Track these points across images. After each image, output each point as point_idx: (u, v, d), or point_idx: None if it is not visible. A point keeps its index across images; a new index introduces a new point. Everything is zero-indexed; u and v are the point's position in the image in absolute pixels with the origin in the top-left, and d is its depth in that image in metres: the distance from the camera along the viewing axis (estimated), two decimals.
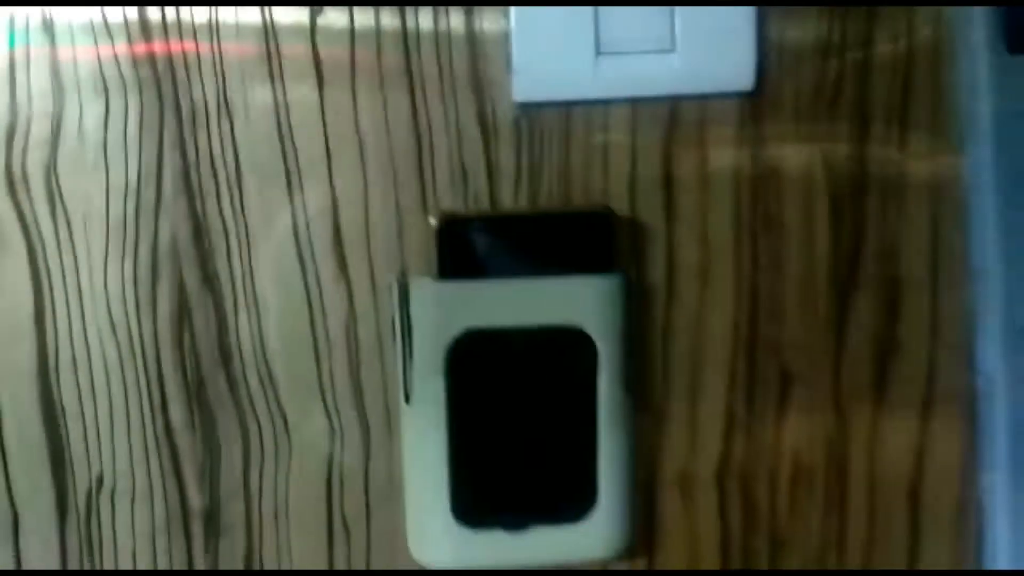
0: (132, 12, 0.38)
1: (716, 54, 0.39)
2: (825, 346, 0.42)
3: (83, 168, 0.38)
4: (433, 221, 0.38)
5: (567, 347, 0.38)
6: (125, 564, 0.40)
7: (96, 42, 0.38)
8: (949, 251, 0.42)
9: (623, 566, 0.42)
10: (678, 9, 0.39)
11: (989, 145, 0.41)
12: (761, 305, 0.41)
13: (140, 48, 0.38)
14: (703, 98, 0.40)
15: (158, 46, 0.38)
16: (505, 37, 0.39)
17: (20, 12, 0.37)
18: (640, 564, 0.42)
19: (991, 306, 0.42)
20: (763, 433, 0.42)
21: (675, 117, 0.40)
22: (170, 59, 0.38)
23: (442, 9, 0.39)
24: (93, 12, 0.38)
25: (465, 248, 0.38)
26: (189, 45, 0.38)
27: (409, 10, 0.39)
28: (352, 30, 0.39)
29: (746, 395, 0.42)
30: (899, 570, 0.43)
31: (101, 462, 0.40)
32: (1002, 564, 0.43)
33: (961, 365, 0.43)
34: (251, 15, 0.38)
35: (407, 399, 0.39)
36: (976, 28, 0.40)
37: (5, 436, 0.39)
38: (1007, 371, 0.42)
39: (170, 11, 0.38)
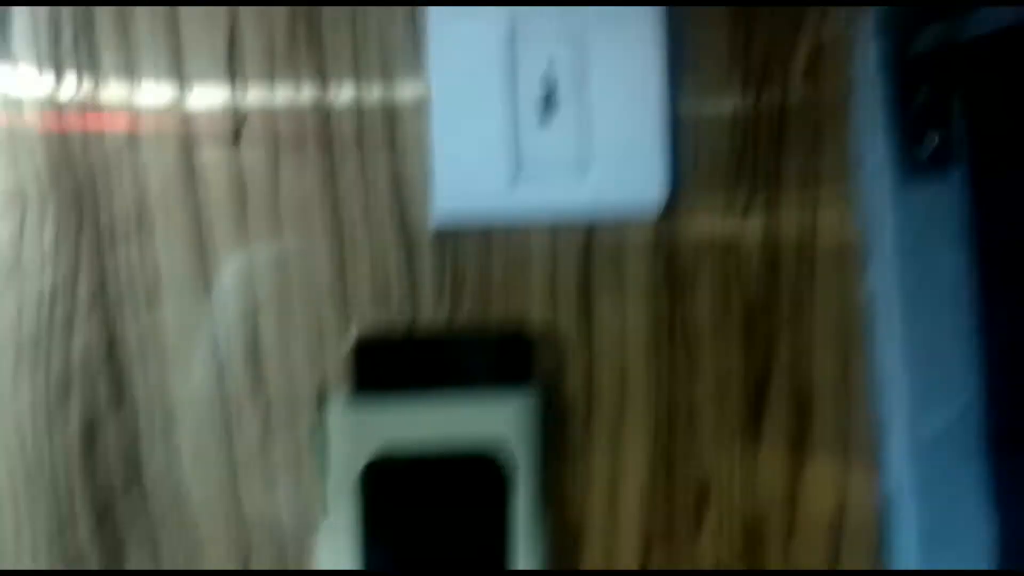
0: (53, 124, 0.38)
1: (629, 174, 0.41)
2: (739, 459, 0.43)
3: None
4: (351, 341, 0.38)
5: (483, 466, 0.38)
6: None
7: (16, 155, 0.38)
8: (857, 362, 0.43)
9: None
10: (592, 138, 0.40)
11: (890, 262, 0.42)
12: (678, 415, 0.42)
13: (59, 161, 0.38)
14: (618, 218, 0.41)
15: (79, 160, 0.38)
16: (426, 156, 0.40)
17: None
18: None
19: (897, 416, 0.43)
20: (681, 547, 0.42)
21: (591, 236, 0.41)
22: (91, 172, 0.38)
23: (364, 128, 0.40)
24: (13, 122, 0.38)
25: (382, 366, 0.38)
26: (110, 159, 0.38)
27: (332, 127, 0.39)
28: (276, 144, 0.39)
29: (664, 507, 0.42)
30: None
31: None
32: None
33: (871, 474, 0.44)
34: (173, 126, 0.39)
35: (324, 514, 0.38)
36: (879, 151, 0.42)
37: None
38: (914, 480, 0.43)
39: (91, 121, 0.38)
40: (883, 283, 0.43)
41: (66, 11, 0.38)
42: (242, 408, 0.39)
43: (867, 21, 0.42)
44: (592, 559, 0.42)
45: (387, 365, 0.38)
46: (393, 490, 0.38)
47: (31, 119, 0.38)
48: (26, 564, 0.39)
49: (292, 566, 0.40)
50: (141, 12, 0.38)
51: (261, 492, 0.40)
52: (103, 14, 0.38)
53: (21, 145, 0.38)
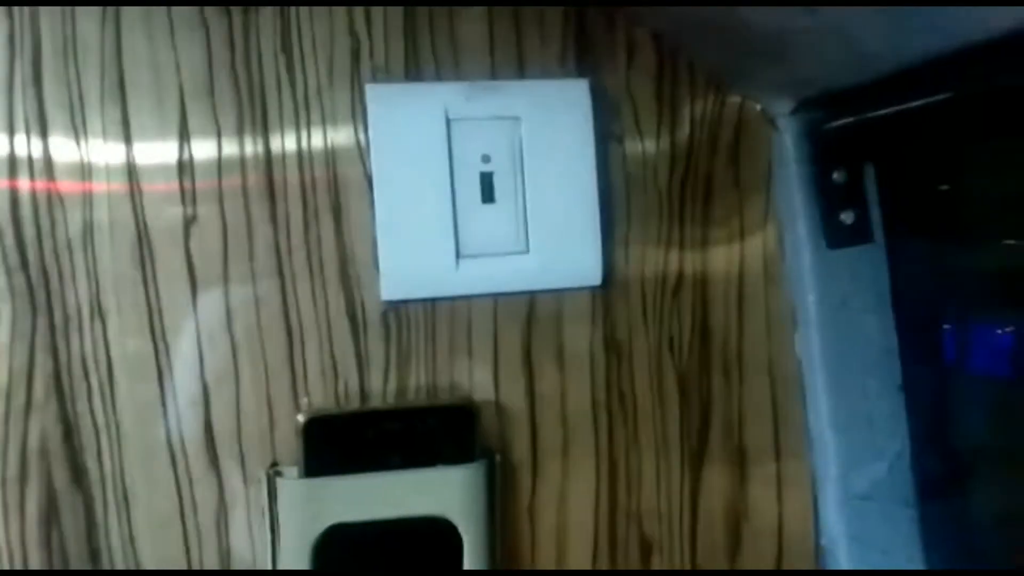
0: (6, 221, 0.39)
1: (567, 254, 0.43)
2: (681, 516, 0.45)
3: None
4: (301, 418, 0.40)
5: (433, 535, 0.40)
6: None
7: None
8: (788, 422, 0.46)
9: None
10: (530, 215, 0.42)
11: (815, 328, 0.45)
12: (619, 478, 0.44)
13: (13, 259, 0.39)
14: (557, 292, 0.43)
15: (32, 254, 0.39)
16: (372, 239, 0.42)
17: None
18: None
19: (829, 473, 0.45)
20: None
21: (532, 309, 0.43)
22: (43, 267, 0.39)
23: (311, 209, 0.41)
24: None
25: (332, 444, 0.39)
26: (63, 252, 0.40)
27: (279, 209, 0.41)
28: (224, 231, 0.41)
29: (609, 564, 0.44)
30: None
31: None
32: None
33: (807, 528, 0.46)
34: (126, 217, 0.40)
35: None
36: (800, 225, 0.45)
37: None
38: (847, 535, 0.45)
39: (44, 219, 0.39)
40: (809, 348, 0.45)
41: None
42: (197, 486, 0.41)
43: (785, 102, 0.44)
44: None
45: (336, 440, 0.39)
46: (346, 559, 0.39)
47: None
48: None
49: None
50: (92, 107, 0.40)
51: (217, 565, 0.41)
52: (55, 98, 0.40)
53: None
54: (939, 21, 0.31)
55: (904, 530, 0.46)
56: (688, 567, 0.45)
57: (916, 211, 0.45)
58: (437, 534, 0.40)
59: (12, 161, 0.39)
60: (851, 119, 0.42)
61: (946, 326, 0.47)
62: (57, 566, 0.40)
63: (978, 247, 0.46)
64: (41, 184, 0.39)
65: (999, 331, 0.47)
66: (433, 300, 0.42)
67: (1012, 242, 0.46)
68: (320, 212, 0.42)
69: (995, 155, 0.44)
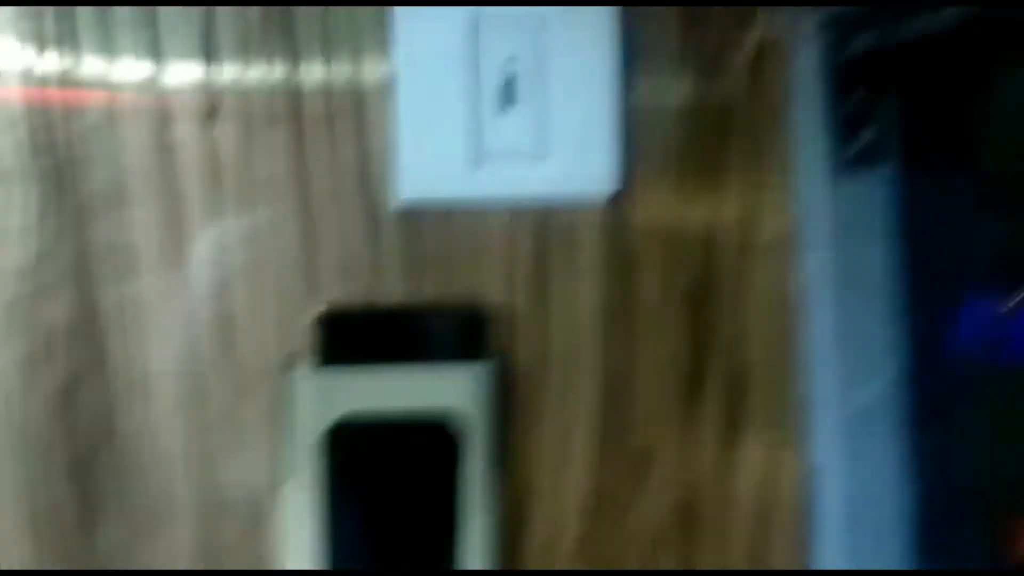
0: (34, 98, 0.40)
1: (583, 161, 0.44)
2: (679, 429, 0.46)
3: None
4: (317, 311, 0.41)
5: (438, 432, 0.41)
6: None
7: None
8: (789, 340, 0.47)
9: None
10: (554, 118, 0.43)
11: (823, 251, 0.46)
12: (622, 391, 0.45)
13: (40, 137, 0.40)
14: (572, 201, 0.44)
15: (59, 136, 0.40)
16: (392, 139, 0.42)
17: None
18: None
19: (826, 392, 0.47)
20: (622, 510, 0.46)
21: (546, 218, 0.44)
22: (70, 148, 0.40)
23: (333, 110, 0.42)
24: None
25: (347, 338, 0.41)
26: (89, 135, 0.40)
27: (303, 105, 0.42)
28: (249, 124, 0.41)
29: (607, 473, 0.46)
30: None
31: None
32: None
33: (801, 444, 0.47)
34: (149, 103, 0.41)
35: (286, 479, 0.41)
36: (813, 145, 0.46)
37: None
38: (840, 451, 0.47)
39: (71, 99, 0.40)
40: (815, 271, 0.46)
41: None
42: (213, 374, 0.42)
43: (807, 23, 0.44)
44: (541, 517, 0.45)
45: (351, 336, 0.41)
46: (354, 452, 0.40)
47: (13, 94, 0.40)
48: (8, 511, 0.41)
49: (260, 524, 0.43)
50: None
51: (230, 453, 0.42)
52: None
53: (3, 120, 0.40)
54: None
55: (896, 450, 0.47)
56: (683, 480, 0.46)
57: (935, 141, 0.46)
58: (443, 432, 0.41)
59: (40, 38, 0.40)
60: (875, 41, 0.42)
61: (951, 259, 0.48)
62: (76, 438, 0.41)
63: (991, 188, 0.46)
64: (67, 63, 0.40)
65: (998, 268, 0.48)
66: (449, 206, 0.43)
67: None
68: (342, 114, 0.42)
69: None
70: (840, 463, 0.47)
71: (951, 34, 0.39)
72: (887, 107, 0.45)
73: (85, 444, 0.41)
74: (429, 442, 0.41)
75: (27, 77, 0.40)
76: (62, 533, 0.41)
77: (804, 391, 0.47)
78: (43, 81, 0.40)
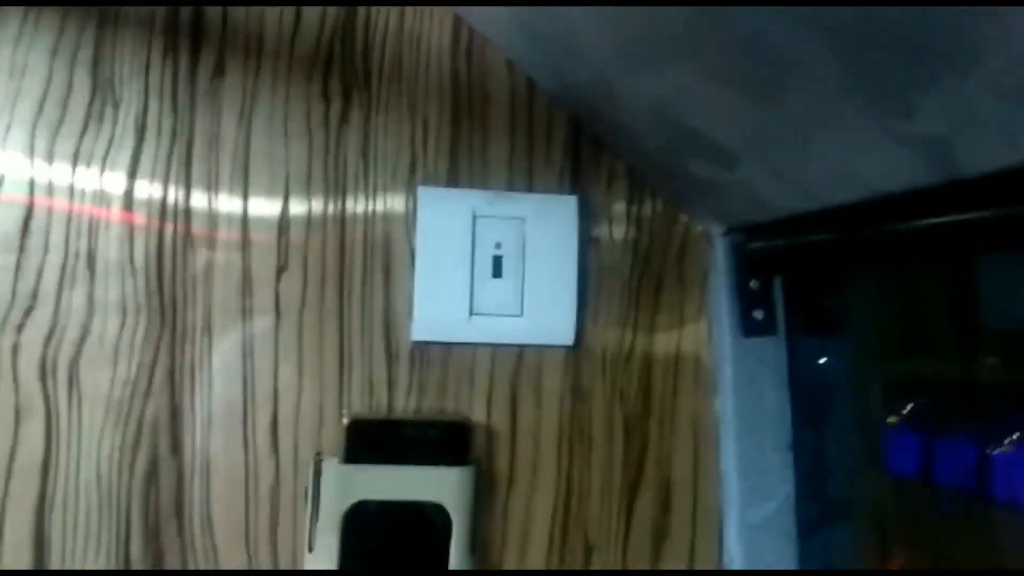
0: (154, 256, 0.55)
1: (550, 317, 0.59)
2: (617, 527, 0.59)
3: (97, 364, 0.54)
4: (345, 420, 0.54)
5: (432, 518, 0.54)
6: None
7: (123, 276, 0.54)
8: (705, 464, 0.60)
9: None
10: (526, 289, 0.58)
11: (729, 396, 0.60)
12: (573, 492, 0.58)
13: (154, 285, 0.55)
14: (540, 348, 0.59)
15: (167, 282, 0.55)
16: (409, 295, 0.57)
17: (71, 248, 0.54)
18: None
19: (732, 506, 0.60)
20: None
21: (521, 358, 0.59)
22: (173, 293, 0.55)
23: (368, 270, 0.57)
24: (124, 252, 0.54)
25: (364, 441, 0.54)
26: (189, 284, 0.55)
27: (346, 268, 0.57)
28: (305, 279, 0.56)
29: (559, 558, 0.58)
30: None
31: None
32: None
33: (713, 548, 0.60)
34: (236, 262, 0.55)
35: (310, 548, 0.53)
36: (724, 317, 0.61)
37: (1, 557, 0.52)
38: (742, 555, 0.59)
39: (179, 258, 0.55)
40: (724, 410, 0.60)
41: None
42: (260, 465, 0.55)
43: (719, 227, 0.61)
44: None
45: (369, 440, 0.54)
46: (366, 529, 0.53)
47: (139, 255, 0.55)
48: (92, 566, 0.53)
49: None
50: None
51: (267, 525, 0.55)
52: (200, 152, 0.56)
53: (127, 270, 0.54)
54: (812, 186, 0.47)
55: (786, 556, 0.60)
56: (618, 566, 0.58)
57: (809, 314, 0.61)
58: (435, 516, 0.54)
59: (163, 213, 0.55)
60: (763, 244, 0.58)
61: (827, 397, 0.62)
62: (153, 516, 0.53)
63: (849, 343, 0.61)
64: (181, 231, 0.55)
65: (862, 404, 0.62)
66: (449, 344, 0.57)
67: (869, 345, 0.62)
68: (375, 273, 0.57)
69: (866, 276, 0.61)
70: (741, 563, 0.59)
71: (822, 243, 0.54)
72: (775, 290, 0.61)
73: (159, 512, 0.54)
74: (424, 526, 0.54)
75: (159, 214, 0.55)
76: None
77: (716, 504, 0.60)
78: (165, 219, 0.55)
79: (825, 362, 0.62)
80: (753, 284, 0.60)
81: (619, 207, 0.61)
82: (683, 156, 0.53)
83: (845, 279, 0.61)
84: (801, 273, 0.60)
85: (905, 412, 0.61)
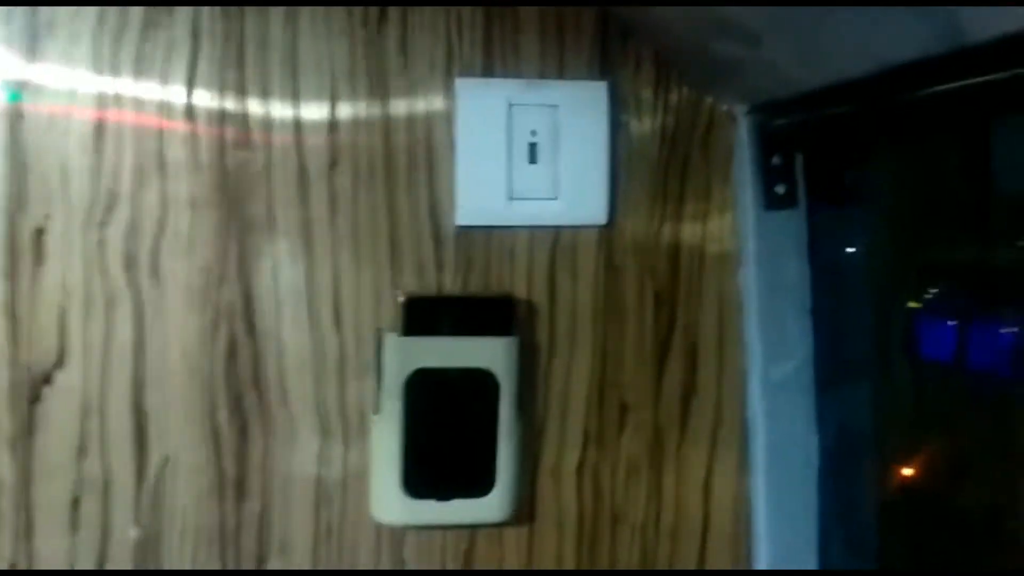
0: (218, 156, 0.59)
1: (583, 199, 0.63)
2: (649, 388, 0.65)
3: (175, 254, 0.59)
4: (400, 298, 0.60)
5: (481, 382, 0.60)
6: (179, 518, 0.60)
7: (190, 174, 0.59)
8: (729, 328, 0.65)
9: (513, 529, 0.63)
10: (560, 173, 0.62)
11: (752, 266, 0.64)
12: (608, 360, 0.64)
13: (221, 179, 0.59)
14: (575, 228, 0.63)
15: (232, 179, 0.60)
16: (452, 184, 0.61)
17: (141, 149, 0.58)
18: (523, 528, 0.63)
19: (754, 366, 0.65)
20: (607, 444, 0.64)
21: (557, 238, 0.63)
22: (238, 189, 0.60)
23: (413, 163, 0.61)
24: (189, 152, 0.59)
25: (420, 316, 0.60)
26: (252, 180, 0.60)
27: (392, 161, 0.61)
28: (356, 173, 0.61)
29: (597, 418, 0.64)
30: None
31: (168, 446, 0.60)
32: (763, 536, 0.65)
33: (738, 404, 0.66)
34: (293, 160, 0.60)
35: (376, 412, 0.60)
36: (747, 193, 0.64)
37: (105, 427, 0.59)
38: (764, 410, 0.65)
39: (241, 156, 0.59)
40: (748, 280, 0.65)
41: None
42: (326, 341, 0.61)
43: (742, 107, 0.64)
44: (549, 447, 0.63)
45: (423, 315, 0.60)
46: (425, 395, 0.59)
47: (205, 134, 0.59)
48: (184, 436, 0.60)
49: (355, 441, 0.61)
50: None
51: (337, 393, 0.61)
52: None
53: (196, 164, 0.59)
54: (830, 61, 0.50)
55: (804, 411, 0.65)
56: (653, 423, 0.65)
57: (829, 188, 0.65)
58: (484, 381, 0.60)
59: (222, 115, 0.59)
60: (785, 120, 0.61)
61: (845, 268, 0.67)
62: (235, 388, 0.60)
63: (867, 214, 0.65)
64: (242, 136, 0.60)
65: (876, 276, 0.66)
66: (490, 228, 0.62)
67: (889, 216, 0.66)
68: (419, 164, 0.61)
69: (886, 149, 0.64)
70: (764, 418, 0.65)
71: (840, 117, 0.57)
72: (796, 166, 0.64)
73: (240, 385, 0.60)
74: (475, 389, 0.60)
75: (219, 118, 0.59)
76: (226, 442, 0.60)
77: (740, 365, 0.66)
78: (225, 121, 0.59)
79: (844, 233, 0.66)
80: (775, 160, 0.63)
81: (646, 92, 0.64)
82: (707, 38, 0.55)
83: (865, 153, 0.65)
84: (821, 148, 0.63)
85: (930, 295, 0.64)
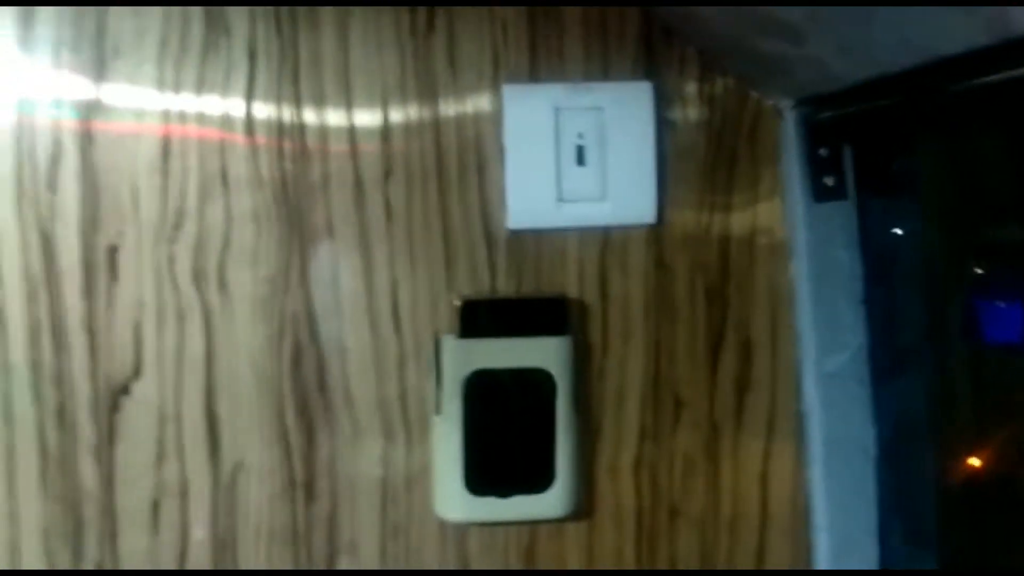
0: (276, 167, 0.62)
1: (631, 200, 0.64)
2: (703, 383, 0.65)
3: (241, 267, 0.62)
4: (456, 302, 0.62)
5: (538, 381, 0.61)
6: (253, 520, 0.63)
7: (253, 190, 0.62)
8: (783, 321, 0.66)
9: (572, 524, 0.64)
10: (608, 175, 0.63)
11: (804, 260, 0.65)
12: (663, 355, 0.65)
13: (279, 194, 0.62)
14: (624, 228, 0.64)
15: (291, 191, 0.62)
16: (503, 187, 0.63)
17: (205, 168, 0.61)
18: (583, 524, 0.65)
19: (808, 357, 0.65)
20: (663, 440, 0.65)
21: (607, 238, 0.64)
22: (298, 201, 0.62)
23: (464, 167, 0.63)
24: (251, 168, 0.61)
25: (476, 318, 0.61)
26: (310, 191, 0.62)
27: (443, 166, 0.63)
28: (409, 181, 0.63)
29: (653, 414, 0.65)
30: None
31: (240, 450, 0.62)
32: (822, 527, 0.66)
33: (792, 396, 0.66)
34: (348, 170, 0.62)
35: (437, 412, 0.62)
36: (796, 186, 0.65)
37: (181, 434, 0.62)
38: (819, 402, 0.65)
39: (299, 167, 0.62)
40: (799, 271, 0.65)
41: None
42: (387, 345, 0.63)
43: (788, 100, 0.64)
44: (606, 444, 0.65)
45: (479, 317, 0.61)
46: (484, 395, 0.61)
47: (264, 145, 0.62)
48: (255, 440, 0.62)
49: (417, 441, 0.63)
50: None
51: (398, 395, 0.63)
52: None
53: (258, 179, 0.62)
54: (876, 54, 0.50)
55: (860, 401, 0.65)
56: (707, 422, 0.65)
57: (877, 179, 0.64)
58: (541, 380, 0.61)
59: (280, 130, 0.62)
60: (832, 113, 0.61)
61: (897, 256, 0.66)
62: (301, 393, 0.62)
63: (917, 202, 0.65)
64: (298, 146, 0.62)
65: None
66: (541, 230, 0.64)
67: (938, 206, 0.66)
68: (469, 170, 0.63)
69: (933, 140, 0.63)
70: (819, 409, 0.66)
71: (886, 108, 0.57)
72: (844, 157, 0.64)
73: (306, 390, 0.63)
74: (532, 388, 0.61)
75: (277, 133, 0.62)
76: (294, 445, 0.63)
77: (793, 357, 0.66)
78: (283, 136, 0.62)
79: (894, 221, 0.66)
80: (823, 152, 0.63)
81: (691, 90, 0.65)
82: (752, 35, 0.56)
83: (912, 142, 0.64)
84: (868, 139, 0.63)
85: (987, 278, 0.63)
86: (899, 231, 0.66)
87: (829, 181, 0.64)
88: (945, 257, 0.66)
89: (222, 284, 0.62)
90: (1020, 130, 0.59)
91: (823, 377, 0.65)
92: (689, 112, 0.65)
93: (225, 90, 0.61)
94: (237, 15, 0.61)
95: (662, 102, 0.64)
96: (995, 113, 0.54)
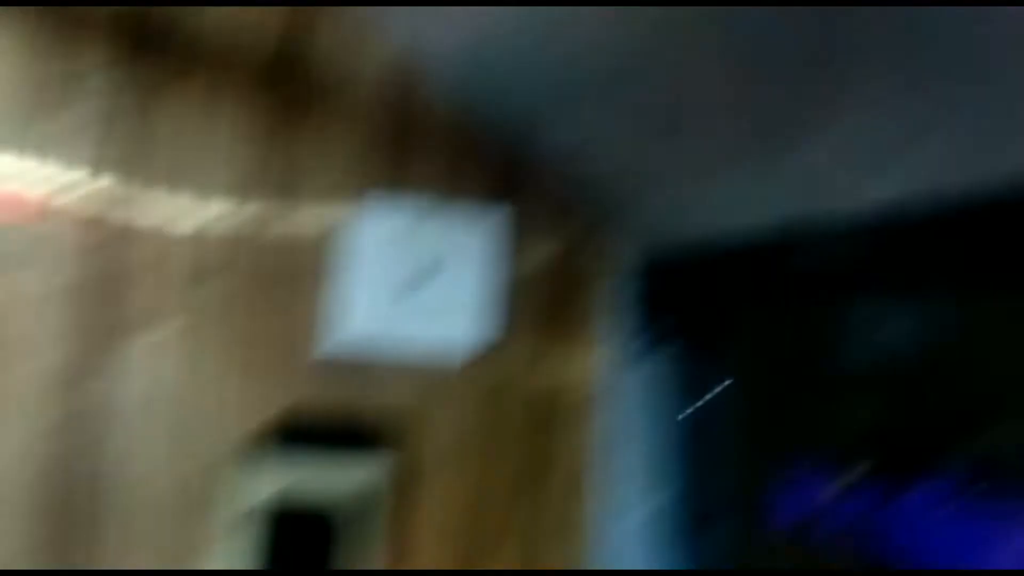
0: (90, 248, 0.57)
1: (467, 325, 0.64)
2: (522, 516, 0.64)
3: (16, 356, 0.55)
4: (270, 415, 0.57)
5: (345, 508, 0.57)
6: None
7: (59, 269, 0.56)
8: (599, 462, 0.66)
9: None
10: (447, 294, 0.63)
11: (625, 402, 0.66)
12: (483, 485, 0.63)
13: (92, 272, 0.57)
14: (456, 351, 0.64)
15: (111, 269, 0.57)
16: (339, 300, 0.61)
17: None
18: None
19: (618, 502, 0.66)
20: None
21: (437, 361, 0.63)
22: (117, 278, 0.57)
23: (294, 283, 0.61)
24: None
25: (290, 435, 0.58)
26: (138, 267, 0.57)
27: (272, 277, 0.60)
28: (229, 291, 0.59)
29: (467, 542, 0.62)
30: None
31: None
32: None
33: (603, 540, 0.66)
34: (165, 258, 0.58)
35: (220, 540, 0.56)
36: (619, 338, 0.67)
37: None
38: (618, 558, 0.65)
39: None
40: (609, 422, 0.67)
41: None
42: (160, 469, 0.57)
43: (632, 245, 0.68)
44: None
45: (294, 434, 0.58)
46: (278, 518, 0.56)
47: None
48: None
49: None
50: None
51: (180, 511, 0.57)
52: None
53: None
54: (707, 218, 0.54)
55: (663, 554, 0.66)
56: (520, 549, 0.64)
57: (702, 340, 0.69)
58: (348, 507, 0.58)
59: (112, 206, 0.57)
60: (671, 264, 0.66)
61: (709, 423, 0.70)
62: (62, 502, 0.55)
63: (737, 374, 0.69)
64: (128, 227, 0.58)
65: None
66: (372, 347, 0.62)
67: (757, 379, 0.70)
68: (303, 283, 0.61)
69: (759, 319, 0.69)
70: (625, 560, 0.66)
71: (721, 270, 0.61)
72: (678, 307, 0.68)
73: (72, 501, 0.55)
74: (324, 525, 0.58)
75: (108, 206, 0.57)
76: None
77: (607, 499, 0.66)
78: (115, 210, 0.57)
79: (713, 390, 0.69)
80: (657, 298, 0.67)
81: (542, 221, 0.68)
82: (594, 187, 0.60)
83: (739, 320, 0.69)
84: (701, 295, 0.68)
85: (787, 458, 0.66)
86: (717, 385, 0.70)
87: (659, 327, 0.67)
88: (754, 430, 0.70)
89: None
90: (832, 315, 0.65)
91: (631, 527, 0.66)
92: (537, 243, 0.67)
93: (70, 155, 0.57)
94: (94, 77, 0.57)
95: (512, 230, 0.66)
96: (815, 297, 0.59)
